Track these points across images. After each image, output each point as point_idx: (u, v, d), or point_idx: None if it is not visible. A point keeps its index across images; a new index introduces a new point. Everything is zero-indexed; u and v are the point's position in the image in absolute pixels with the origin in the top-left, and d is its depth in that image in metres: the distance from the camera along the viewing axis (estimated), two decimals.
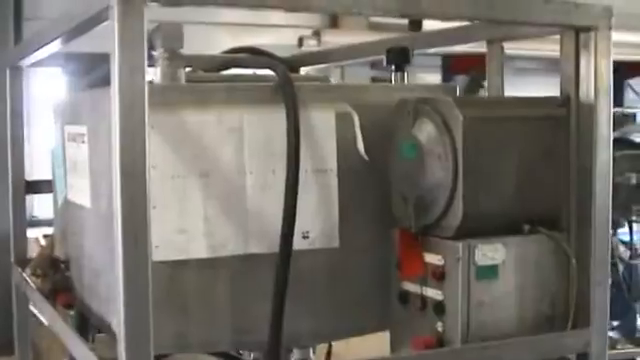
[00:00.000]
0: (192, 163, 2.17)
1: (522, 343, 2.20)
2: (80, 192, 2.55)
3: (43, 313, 2.88)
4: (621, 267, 5.89)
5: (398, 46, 2.71)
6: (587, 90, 2.24)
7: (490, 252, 2.15)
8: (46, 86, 7.26)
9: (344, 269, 2.38)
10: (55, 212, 3.00)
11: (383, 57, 2.74)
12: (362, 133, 2.34)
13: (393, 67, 2.65)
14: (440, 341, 2.16)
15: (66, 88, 7.78)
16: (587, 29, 2.22)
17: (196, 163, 2.18)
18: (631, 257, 5.95)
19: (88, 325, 2.67)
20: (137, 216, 1.75)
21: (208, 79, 2.57)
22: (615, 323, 5.94)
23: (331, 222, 2.34)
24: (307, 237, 2.30)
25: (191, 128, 2.17)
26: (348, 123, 2.34)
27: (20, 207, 3.32)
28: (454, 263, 2.12)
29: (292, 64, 3.41)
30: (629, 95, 10.52)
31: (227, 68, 2.78)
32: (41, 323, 3.70)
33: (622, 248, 5.91)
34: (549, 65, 9.82)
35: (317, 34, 8.26)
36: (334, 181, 2.34)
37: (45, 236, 3.20)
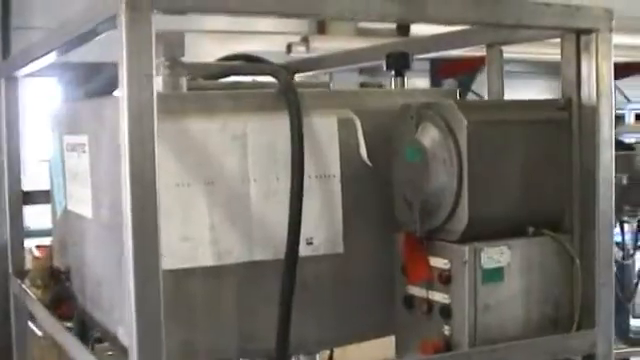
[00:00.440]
0: (197, 171, 2.16)
1: (529, 345, 2.20)
2: (81, 202, 2.54)
3: (44, 324, 2.86)
4: (614, 267, 5.90)
5: (398, 51, 2.71)
6: (589, 92, 2.25)
7: (496, 255, 2.15)
8: (35, 96, 7.22)
9: (348, 274, 2.38)
10: (54, 222, 2.99)
11: (377, 62, 2.74)
12: (364, 138, 2.34)
13: (393, 72, 2.65)
14: (447, 345, 2.16)
15: (62, 98, 7.75)
16: (588, 31, 2.23)
17: (201, 171, 2.17)
18: (623, 257, 5.98)
19: (87, 335, 2.66)
20: (147, 226, 1.74)
21: (209, 87, 2.57)
22: None
23: (335, 228, 2.34)
24: (311, 243, 2.30)
25: (195, 136, 2.17)
26: (350, 129, 2.34)
27: (18, 218, 3.30)
28: (460, 267, 2.13)
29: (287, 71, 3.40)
30: (617, 97, 10.58)
31: (228, 76, 2.77)
32: (34, 333, 3.69)
33: (614, 248, 5.92)
34: (537, 68, 9.91)
35: (305, 40, 8.22)
36: (337, 187, 2.33)
37: (38, 247, 3.18)
